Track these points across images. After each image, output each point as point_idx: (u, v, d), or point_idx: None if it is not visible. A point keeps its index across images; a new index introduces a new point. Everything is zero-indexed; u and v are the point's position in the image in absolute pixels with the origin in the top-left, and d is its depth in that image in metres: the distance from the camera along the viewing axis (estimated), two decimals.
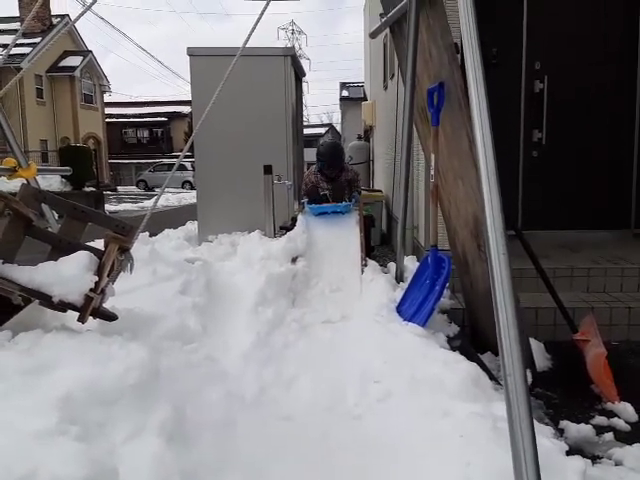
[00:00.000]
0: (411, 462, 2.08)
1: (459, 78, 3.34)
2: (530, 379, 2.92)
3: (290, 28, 44.40)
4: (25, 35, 22.82)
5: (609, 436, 2.58)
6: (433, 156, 3.42)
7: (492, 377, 2.84)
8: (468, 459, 1.90)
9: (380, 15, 4.13)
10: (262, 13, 3.29)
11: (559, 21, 5.09)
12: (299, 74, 7.30)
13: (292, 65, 6.37)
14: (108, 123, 31.60)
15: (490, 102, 1.95)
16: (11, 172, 4.03)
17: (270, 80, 6.15)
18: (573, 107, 5.12)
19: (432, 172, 3.48)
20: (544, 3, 5.06)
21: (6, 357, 2.04)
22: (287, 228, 4.92)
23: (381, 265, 4.45)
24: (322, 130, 38.44)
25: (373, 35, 4.74)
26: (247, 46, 3.30)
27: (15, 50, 20.58)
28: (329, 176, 4.87)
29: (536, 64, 5.14)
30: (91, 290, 2.35)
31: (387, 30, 4.36)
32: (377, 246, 6.68)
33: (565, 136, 5.14)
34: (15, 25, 23.30)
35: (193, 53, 6.25)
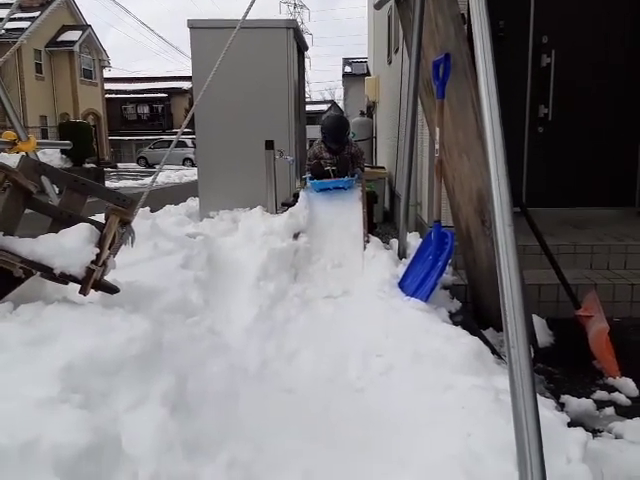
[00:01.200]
0: (413, 434, 2.09)
1: (466, 49, 3.28)
2: (532, 355, 2.92)
3: (292, 2, 43.76)
4: (24, 9, 22.56)
5: (610, 410, 2.60)
6: (438, 130, 3.37)
7: (494, 351, 2.84)
8: (470, 430, 1.91)
9: None
10: None
11: None
12: (301, 47, 7.19)
13: (294, 38, 6.27)
14: (108, 99, 31.36)
15: (496, 76, 1.91)
16: (11, 145, 4.00)
17: (272, 53, 6.05)
18: (580, 82, 5.05)
19: (437, 146, 3.44)
20: None
21: (8, 328, 2.03)
22: (289, 204, 4.89)
23: (384, 242, 4.42)
24: (324, 107, 38.08)
25: (378, 6, 4.66)
26: (249, 18, 3.24)
27: (14, 24, 20.40)
28: (332, 148, 4.77)
29: (543, 38, 5.06)
30: (92, 262, 2.33)
31: (392, 1, 4.27)
32: (380, 223, 6.66)
33: (571, 112, 5.08)
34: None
35: (194, 25, 6.14)
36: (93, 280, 2.34)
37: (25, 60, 23.40)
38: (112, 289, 2.51)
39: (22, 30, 20.85)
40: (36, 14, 22.75)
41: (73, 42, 26.24)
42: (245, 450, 2.00)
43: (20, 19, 21.53)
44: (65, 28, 26.42)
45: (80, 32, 26.91)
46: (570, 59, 5.01)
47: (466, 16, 3.60)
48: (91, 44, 28.33)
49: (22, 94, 23.16)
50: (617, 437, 2.36)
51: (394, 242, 4.30)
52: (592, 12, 5.02)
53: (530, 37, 5.07)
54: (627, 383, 2.82)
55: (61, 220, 2.54)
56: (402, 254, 3.99)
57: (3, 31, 16.88)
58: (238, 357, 2.66)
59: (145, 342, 2.05)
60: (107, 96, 31.30)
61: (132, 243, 2.66)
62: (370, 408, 2.36)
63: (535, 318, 3.44)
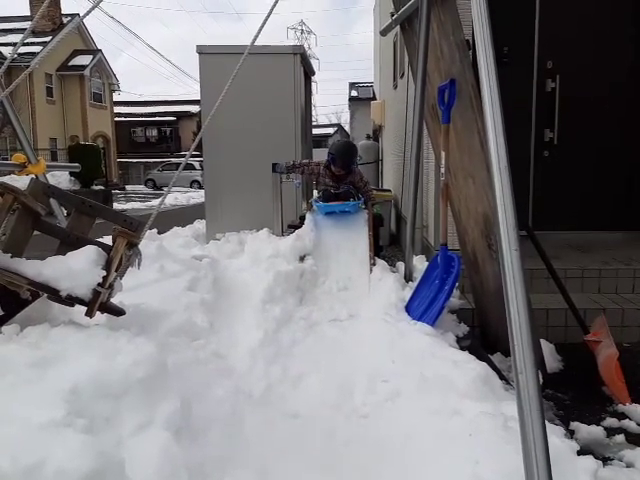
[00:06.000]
0: (419, 460, 2.05)
1: (470, 75, 3.31)
2: (540, 380, 2.89)
3: (299, 28, 44.52)
4: (36, 34, 23.01)
5: (620, 438, 2.55)
6: (443, 154, 3.39)
7: (502, 377, 2.81)
8: (477, 457, 1.88)
9: (391, 14, 4.11)
10: (271, 9, 3.28)
11: (572, 19, 5.05)
12: (308, 72, 7.28)
13: (301, 63, 6.35)
14: (117, 122, 31.74)
15: (501, 101, 1.93)
16: (20, 168, 4.05)
17: (279, 78, 6.13)
18: (585, 106, 5.08)
19: (442, 170, 3.46)
20: (556, 1, 5.03)
21: (14, 350, 2.03)
22: (295, 226, 4.89)
23: (390, 265, 4.41)
24: (331, 130, 38.44)
25: (383, 32, 4.72)
26: (257, 44, 3.29)
27: (27, 49, 20.76)
28: (335, 174, 4.64)
29: (548, 63, 5.11)
30: (99, 285, 2.34)
31: (397, 28, 4.33)
32: (386, 246, 6.65)
33: (577, 136, 5.10)
34: (27, 24, 23.44)
35: (202, 51, 6.24)
36: (99, 302, 2.34)
37: (36, 84, 23.79)
38: (118, 311, 2.51)
39: (34, 54, 21.14)
40: (48, 39, 23.16)
41: (84, 66, 26.67)
42: (249, 476, 1.98)
43: (32, 44, 21.93)
44: (76, 52, 26.88)
45: (91, 56, 27.38)
46: (575, 84, 5.05)
47: (471, 42, 3.64)
48: (101, 68, 28.81)
49: (33, 117, 23.49)
50: (628, 465, 2.31)
51: (400, 265, 4.29)
52: (596, 37, 5.07)
53: (535, 62, 5.12)
54: (637, 410, 2.77)
55: (69, 242, 2.56)
56: (408, 277, 3.98)
57: (16, 56, 17.20)
58: (243, 381, 2.64)
59: (150, 365, 2.04)
60: (116, 119, 31.71)
61: (139, 265, 2.66)
62: (376, 434, 2.33)
63: (544, 343, 3.41)
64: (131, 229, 2.54)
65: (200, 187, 23.50)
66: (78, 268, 2.34)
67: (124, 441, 1.75)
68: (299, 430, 2.38)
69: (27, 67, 3.05)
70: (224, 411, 2.30)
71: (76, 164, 6.27)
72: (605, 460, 2.35)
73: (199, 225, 7.14)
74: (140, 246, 2.62)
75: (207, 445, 2.04)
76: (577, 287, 4.02)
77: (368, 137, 11.93)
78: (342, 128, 39.83)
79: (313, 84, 8.77)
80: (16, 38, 21.08)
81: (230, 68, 3.13)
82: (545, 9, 5.05)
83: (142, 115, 37.11)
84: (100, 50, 28.59)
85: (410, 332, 3.04)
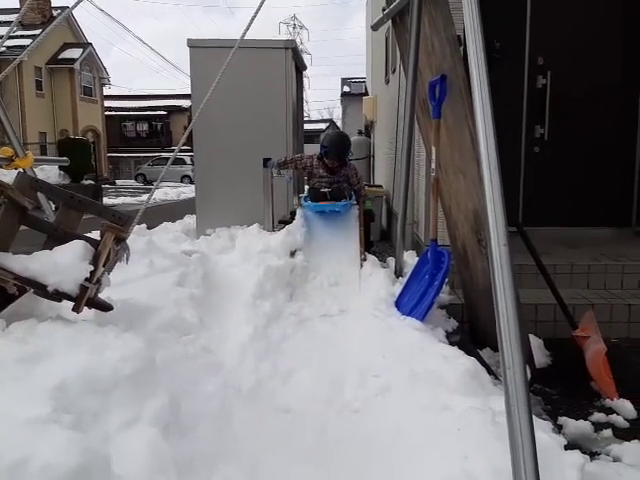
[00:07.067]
0: (409, 455, 2.06)
1: (461, 71, 3.31)
2: (529, 375, 2.90)
3: (292, 23, 44.35)
4: (26, 27, 22.76)
5: (607, 432, 2.57)
6: (434, 149, 3.39)
7: (491, 372, 2.82)
8: (466, 452, 1.88)
9: (383, 9, 4.10)
10: (262, 2, 3.26)
11: (563, 15, 5.06)
12: (300, 67, 7.25)
13: (293, 58, 6.32)
14: (107, 116, 31.46)
15: (492, 96, 1.92)
16: (8, 161, 4.00)
17: (271, 72, 6.09)
18: (576, 103, 5.09)
19: (433, 166, 3.46)
20: None
21: (1, 346, 2.01)
22: (286, 222, 4.88)
23: (380, 260, 4.42)
24: (323, 125, 38.35)
25: (375, 27, 4.70)
26: (248, 38, 3.27)
27: (16, 42, 20.54)
28: (329, 166, 4.56)
29: (539, 59, 5.12)
30: (86, 280, 2.32)
31: (389, 23, 4.32)
32: (377, 242, 6.66)
33: (567, 132, 5.11)
34: (16, 17, 23.17)
35: (193, 45, 6.19)
36: (87, 298, 2.32)
37: (26, 77, 23.52)
38: (106, 307, 2.49)
39: (23, 47, 20.90)
40: (37, 32, 22.89)
41: (74, 60, 26.42)
42: (239, 472, 1.97)
43: (22, 37, 21.68)
44: (66, 46, 26.61)
45: (81, 50, 27.11)
46: (565, 80, 5.06)
47: (462, 37, 3.64)
48: (92, 62, 28.55)
49: (22, 111, 23.23)
50: (615, 460, 2.33)
51: (391, 260, 4.30)
52: (587, 33, 5.08)
53: (526, 58, 5.13)
54: (625, 405, 2.80)
55: (56, 237, 2.53)
56: (399, 273, 3.99)
57: (4, 48, 17.02)
58: (233, 376, 2.63)
59: (139, 361, 2.02)
60: (107, 113, 31.43)
61: (127, 260, 2.64)
62: (366, 429, 2.33)
63: (532, 338, 3.42)
64: (119, 224, 2.52)
65: (191, 182, 23.38)
66: (65, 263, 2.32)
67: (111, 437, 1.73)
68: (289, 425, 2.37)
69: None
70: (213, 406, 2.29)
71: (65, 158, 6.22)
72: (592, 455, 2.37)
73: (189, 220, 7.10)
74: (129, 241, 2.61)
75: (196, 440, 2.03)
76: (566, 283, 4.04)
77: (360, 133, 11.95)
78: (334, 124, 39.76)
79: (305, 79, 8.73)
80: (2, 31, 20.82)
81: (221, 62, 3.11)
82: (536, 5, 5.05)
83: (133, 109, 36.77)
84: (90, 43, 28.33)
85: (400, 327, 3.05)
